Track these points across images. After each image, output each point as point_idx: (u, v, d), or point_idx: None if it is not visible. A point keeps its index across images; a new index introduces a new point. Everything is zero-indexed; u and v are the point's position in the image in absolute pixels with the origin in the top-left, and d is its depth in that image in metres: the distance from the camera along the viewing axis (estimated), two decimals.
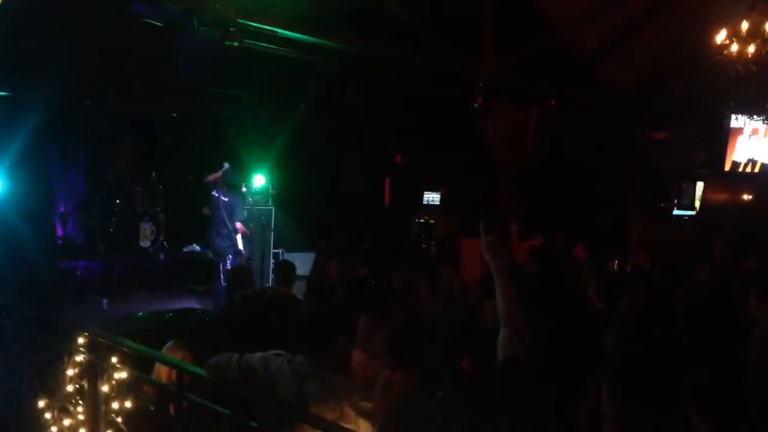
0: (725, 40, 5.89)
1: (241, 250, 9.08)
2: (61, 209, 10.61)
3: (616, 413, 2.42)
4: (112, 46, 6.13)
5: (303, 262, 9.47)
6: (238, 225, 8.94)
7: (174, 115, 10.57)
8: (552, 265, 6.32)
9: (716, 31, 6.02)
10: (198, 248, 10.64)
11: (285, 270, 5.88)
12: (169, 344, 3.81)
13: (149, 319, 6.69)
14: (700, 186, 11.33)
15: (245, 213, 9.41)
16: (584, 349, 3.56)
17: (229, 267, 8.57)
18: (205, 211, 9.91)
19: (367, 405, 2.94)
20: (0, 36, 5.29)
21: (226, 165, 9.10)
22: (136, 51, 6.54)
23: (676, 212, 11.44)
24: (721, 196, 11.24)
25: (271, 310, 5.32)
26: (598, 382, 2.64)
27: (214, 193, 8.97)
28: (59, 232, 9.90)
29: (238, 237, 9.00)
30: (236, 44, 6.80)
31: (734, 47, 5.85)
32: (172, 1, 6.49)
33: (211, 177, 9.04)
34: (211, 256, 9.39)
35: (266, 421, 2.94)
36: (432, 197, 12.33)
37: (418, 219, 11.96)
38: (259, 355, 3.18)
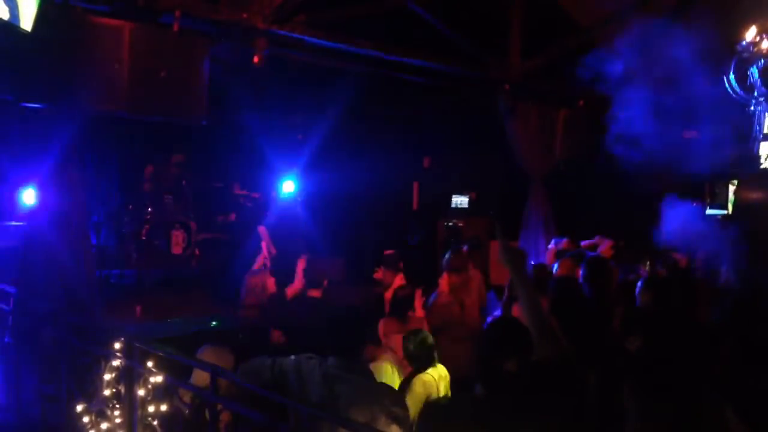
0: (755, 36, 5.84)
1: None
2: (95, 218, 10.79)
3: (637, 409, 2.42)
4: (143, 56, 6.23)
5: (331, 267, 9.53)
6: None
7: (204, 123, 10.70)
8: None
9: (746, 28, 5.96)
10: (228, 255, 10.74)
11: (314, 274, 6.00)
12: (204, 348, 3.84)
13: (182, 324, 6.80)
14: (732, 185, 11.15)
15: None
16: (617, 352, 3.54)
17: None
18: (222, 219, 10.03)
19: (397, 410, 2.94)
20: (32, 51, 5.41)
21: None
22: (167, 60, 6.64)
23: (708, 212, 11.26)
24: (756, 195, 11.03)
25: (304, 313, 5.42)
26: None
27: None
28: (93, 240, 10.07)
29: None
30: (265, 52, 6.89)
31: (765, 44, 5.80)
32: (200, 11, 6.59)
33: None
34: None
35: (298, 423, 2.97)
36: (460, 201, 12.31)
37: (447, 223, 11.94)
38: (291, 357, 3.22)
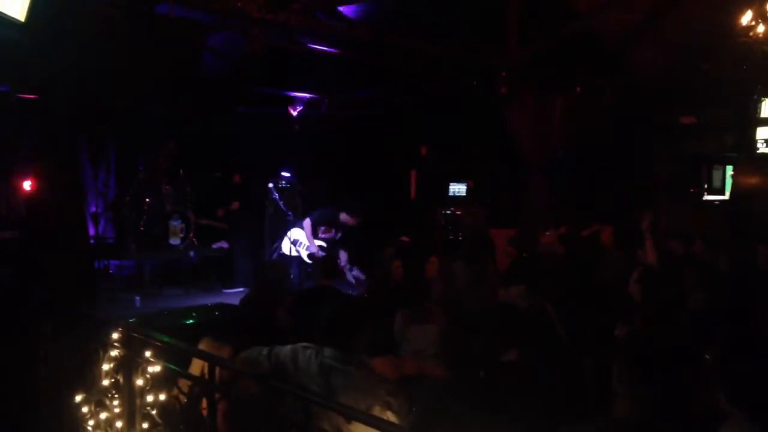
0: (751, 21, 5.83)
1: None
2: (93, 209, 10.80)
3: (627, 392, 2.43)
4: (137, 46, 6.21)
5: None
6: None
7: (201, 113, 10.67)
8: (579, 251, 6.31)
9: (742, 13, 5.95)
10: (227, 245, 10.75)
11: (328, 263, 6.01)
12: (203, 340, 3.88)
13: (181, 313, 6.80)
14: (729, 170, 11.17)
15: None
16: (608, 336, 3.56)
17: None
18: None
19: (391, 399, 2.94)
20: (27, 42, 5.40)
21: None
22: (163, 50, 6.63)
23: (706, 197, 11.29)
24: (753, 180, 11.06)
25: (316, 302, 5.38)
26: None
27: None
28: (91, 231, 10.07)
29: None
30: (259, 41, 6.88)
31: (760, 28, 5.79)
32: (196, 0, 6.57)
33: None
34: None
35: (296, 412, 2.98)
36: (458, 189, 12.31)
37: (445, 211, 11.95)
38: (288, 347, 3.22)
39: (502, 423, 2.59)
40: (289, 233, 9.21)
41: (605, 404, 2.99)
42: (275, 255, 9.56)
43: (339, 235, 8.99)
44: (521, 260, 6.59)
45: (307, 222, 8.85)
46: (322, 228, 8.98)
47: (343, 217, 8.74)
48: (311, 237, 8.83)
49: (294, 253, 9.10)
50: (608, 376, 2.95)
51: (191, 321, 6.34)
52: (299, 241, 9.04)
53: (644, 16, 9.17)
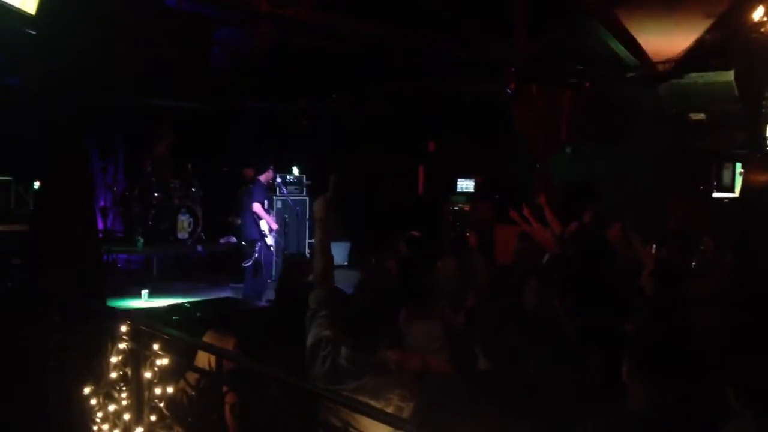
0: (762, 17, 5.79)
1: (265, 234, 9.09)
2: (102, 203, 10.85)
3: (637, 389, 2.42)
4: (147, 40, 6.22)
5: (338, 252, 9.56)
6: (256, 207, 8.99)
7: (209, 108, 10.69)
8: (588, 247, 6.27)
9: (754, 8, 5.91)
10: (234, 239, 10.78)
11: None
12: (207, 333, 3.91)
13: (189, 307, 6.82)
14: (739, 168, 11.10)
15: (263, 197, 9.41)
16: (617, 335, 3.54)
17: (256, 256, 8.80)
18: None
19: (405, 406, 2.90)
20: (36, 34, 5.40)
21: None
22: (171, 45, 6.63)
23: (715, 195, 11.21)
24: (763, 177, 10.97)
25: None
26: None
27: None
28: (100, 225, 10.12)
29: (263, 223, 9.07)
30: (267, 35, 6.88)
31: None
32: None
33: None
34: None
35: (302, 404, 2.97)
36: (466, 184, 12.29)
37: (452, 206, 11.94)
38: (311, 336, 3.17)
39: (510, 421, 2.58)
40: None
41: (614, 401, 2.99)
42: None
43: None
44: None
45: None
46: None
47: None
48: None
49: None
50: (617, 373, 2.95)
51: (199, 314, 6.39)
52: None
53: (654, 10, 9.11)
